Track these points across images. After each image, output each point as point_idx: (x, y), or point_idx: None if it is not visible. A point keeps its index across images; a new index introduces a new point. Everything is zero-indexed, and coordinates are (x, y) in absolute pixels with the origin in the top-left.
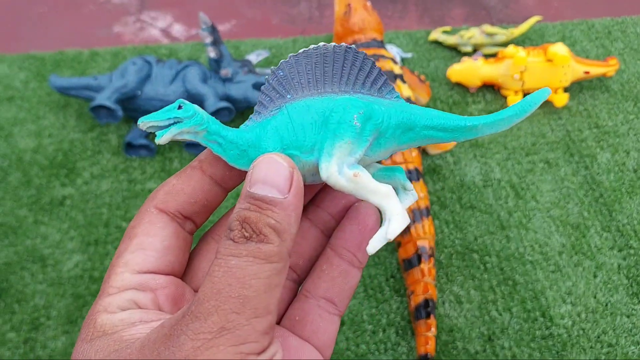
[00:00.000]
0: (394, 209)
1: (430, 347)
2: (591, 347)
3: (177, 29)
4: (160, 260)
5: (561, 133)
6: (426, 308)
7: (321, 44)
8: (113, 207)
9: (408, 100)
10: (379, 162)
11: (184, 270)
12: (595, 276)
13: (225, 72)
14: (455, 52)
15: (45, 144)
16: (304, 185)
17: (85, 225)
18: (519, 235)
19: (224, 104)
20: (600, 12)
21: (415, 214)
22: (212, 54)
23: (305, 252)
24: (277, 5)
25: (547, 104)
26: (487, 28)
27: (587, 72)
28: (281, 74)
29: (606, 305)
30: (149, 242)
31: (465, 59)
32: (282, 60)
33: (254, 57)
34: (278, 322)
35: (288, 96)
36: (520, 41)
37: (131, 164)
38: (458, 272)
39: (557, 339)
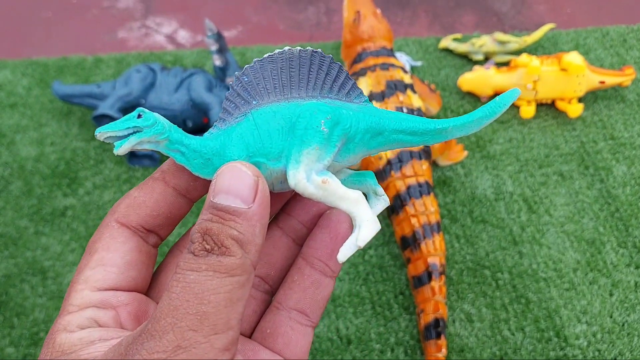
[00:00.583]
0: (364, 215)
1: None
2: None
3: (183, 35)
4: (121, 276)
5: (575, 145)
6: (436, 328)
7: (286, 48)
8: None
9: (419, 110)
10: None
11: (149, 285)
12: (611, 294)
13: (231, 80)
14: (466, 61)
15: (48, 152)
16: (272, 194)
17: (87, 236)
18: (532, 251)
19: None
20: (615, 19)
21: (426, 229)
22: (218, 61)
23: (276, 262)
24: (284, 11)
25: (561, 115)
26: (499, 36)
27: (602, 82)
28: (246, 79)
29: (623, 325)
30: (109, 257)
31: (476, 67)
32: (246, 66)
33: None
34: (249, 335)
35: (254, 102)
36: (532, 49)
37: (134, 174)
38: (469, 289)
39: None
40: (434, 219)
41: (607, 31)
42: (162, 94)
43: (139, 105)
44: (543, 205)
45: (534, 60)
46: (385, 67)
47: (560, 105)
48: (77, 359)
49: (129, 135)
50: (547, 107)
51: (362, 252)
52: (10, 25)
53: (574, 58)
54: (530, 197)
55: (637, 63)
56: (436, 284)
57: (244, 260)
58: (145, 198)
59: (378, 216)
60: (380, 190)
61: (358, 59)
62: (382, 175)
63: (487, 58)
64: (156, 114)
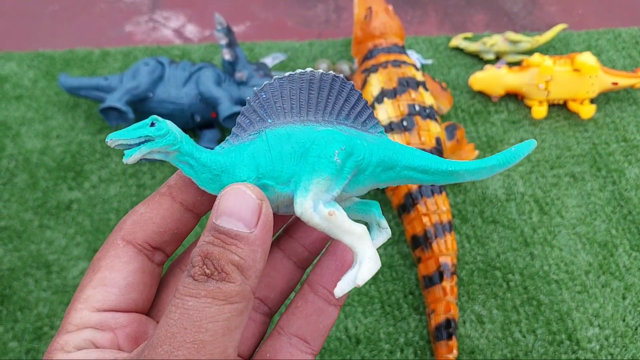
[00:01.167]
0: (367, 252)
1: None
2: None
3: (190, 30)
4: (122, 297)
5: (587, 146)
6: (448, 329)
7: (308, 69)
8: (121, 212)
9: (431, 108)
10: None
11: (150, 304)
12: (624, 298)
13: (240, 75)
14: (477, 60)
15: (53, 145)
16: (276, 215)
17: (92, 231)
18: (544, 253)
19: (238, 108)
20: (627, 21)
21: (437, 228)
22: (228, 56)
23: (277, 285)
24: (293, 8)
25: (573, 116)
26: (511, 35)
27: (615, 83)
28: (264, 96)
29: (636, 329)
30: (111, 277)
31: (488, 66)
32: (266, 82)
33: (270, 61)
34: (248, 359)
35: (269, 121)
36: (544, 50)
37: (140, 168)
38: (480, 290)
39: None
40: (445, 218)
41: (619, 33)
42: (170, 88)
43: (147, 98)
44: (555, 206)
45: (546, 60)
46: (397, 64)
47: (572, 106)
48: None
49: (140, 144)
50: (559, 108)
51: None
52: (17, 18)
53: (587, 58)
54: (542, 198)
55: None
56: (447, 284)
57: (244, 287)
58: (152, 214)
59: (387, 215)
60: (384, 222)
61: (369, 55)
62: None
63: (498, 57)
64: (169, 123)
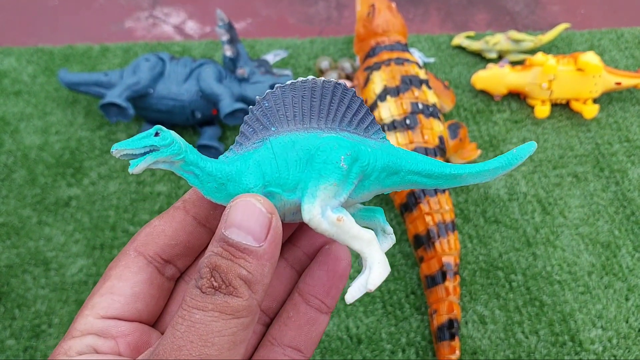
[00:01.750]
0: (376, 257)
1: None
2: None
3: (191, 26)
4: (126, 306)
5: (590, 146)
6: (450, 329)
7: (310, 77)
8: (120, 209)
9: (434, 106)
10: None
11: (156, 316)
12: (627, 299)
13: (241, 71)
14: (479, 59)
15: (52, 141)
16: (282, 223)
17: (91, 228)
18: (546, 253)
19: (239, 105)
20: (630, 21)
21: (440, 227)
22: (229, 52)
23: (279, 295)
24: (294, 5)
25: (576, 116)
26: (513, 34)
27: (618, 83)
28: (266, 104)
29: (639, 331)
30: (119, 286)
31: (490, 65)
32: (268, 90)
33: (271, 57)
34: None
35: (272, 129)
36: (546, 49)
37: None
38: (482, 291)
39: None
40: (449, 217)
41: (622, 33)
42: (170, 84)
43: (147, 94)
44: (557, 206)
45: (550, 59)
46: (400, 62)
47: (575, 105)
48: None
49: (145, 154)
50: (562, 108)
51: None
52: (16, 13)
53: (590, 58)
54: (544, 198)
55: None
56: (450, 284)
57: (251, 302)
58: (165, 227)
59: (388, 214)
60: (389, 228)
61: (372, 53)
62: None
63: (500, 56)
64: (173, 133)
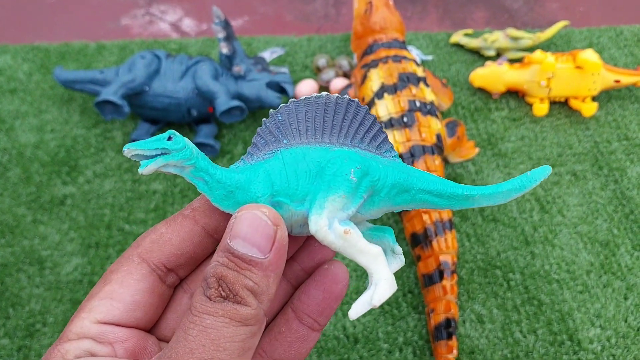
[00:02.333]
0: (382, 273)
1: None
2: None
3: (187, 24)
4: (125, 314)
5: (589, 144)
6: (447, 328)
7: (324, 93)
8: (116, 208)
9: (432, 104)
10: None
11: (153, 322)
12: (626, 298)
13: (238, 69)
14: (477, 56)
15: (47, 139)
16: (290, 237)
17: (86, 226)
18: (545, 252)
19: (236, 102)
20: (629, 18)
21: (438, 226)
22: (225, 49)
23: (273, 308)
24: (292, 2)
25: (575, 114)
26: (512, 32)
27: (617, 81)
28: (279, 118)
29: (638, 330)
30: (119, 292)
31: (489, 63)
32: (282, 104)
33: (268, 55)
34: None
35: (284, 141)
36: (545, 47)
37: (136, 163)
38: (480, 290)
39: None
40: (446, 215)
41: (621, 30)
42: (166, 82)
43: (142, 92)
44: (556, 205)
45: (548, 57)
46: (398, 59)
47: (573, 103)
48: None
49: (156, 155)
50: (560, 106)
51: None
52: (12, 10)
53: (589, 56)
54: (543, 196)
55: None
56: (448, 282)
57: (258, 311)
58: (172, 235)
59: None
60: (398, 248)
61: (369, 50)
62: None
63: (498, 54)
64: (186, 139)
